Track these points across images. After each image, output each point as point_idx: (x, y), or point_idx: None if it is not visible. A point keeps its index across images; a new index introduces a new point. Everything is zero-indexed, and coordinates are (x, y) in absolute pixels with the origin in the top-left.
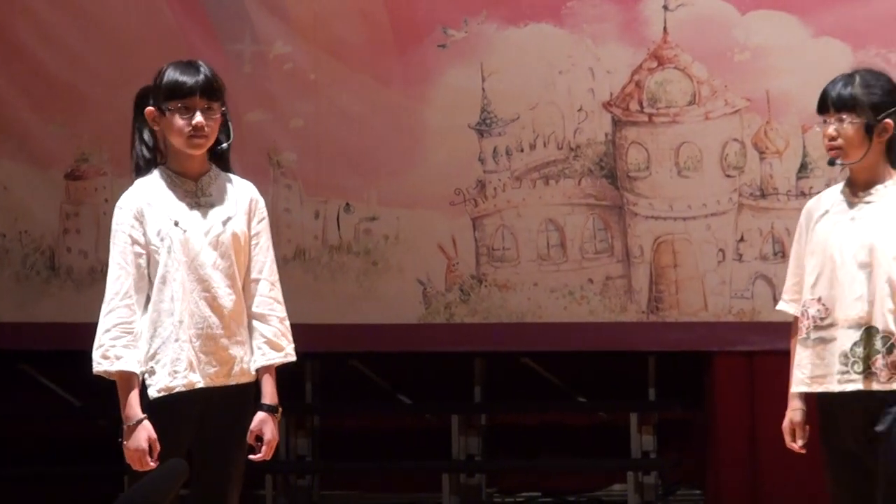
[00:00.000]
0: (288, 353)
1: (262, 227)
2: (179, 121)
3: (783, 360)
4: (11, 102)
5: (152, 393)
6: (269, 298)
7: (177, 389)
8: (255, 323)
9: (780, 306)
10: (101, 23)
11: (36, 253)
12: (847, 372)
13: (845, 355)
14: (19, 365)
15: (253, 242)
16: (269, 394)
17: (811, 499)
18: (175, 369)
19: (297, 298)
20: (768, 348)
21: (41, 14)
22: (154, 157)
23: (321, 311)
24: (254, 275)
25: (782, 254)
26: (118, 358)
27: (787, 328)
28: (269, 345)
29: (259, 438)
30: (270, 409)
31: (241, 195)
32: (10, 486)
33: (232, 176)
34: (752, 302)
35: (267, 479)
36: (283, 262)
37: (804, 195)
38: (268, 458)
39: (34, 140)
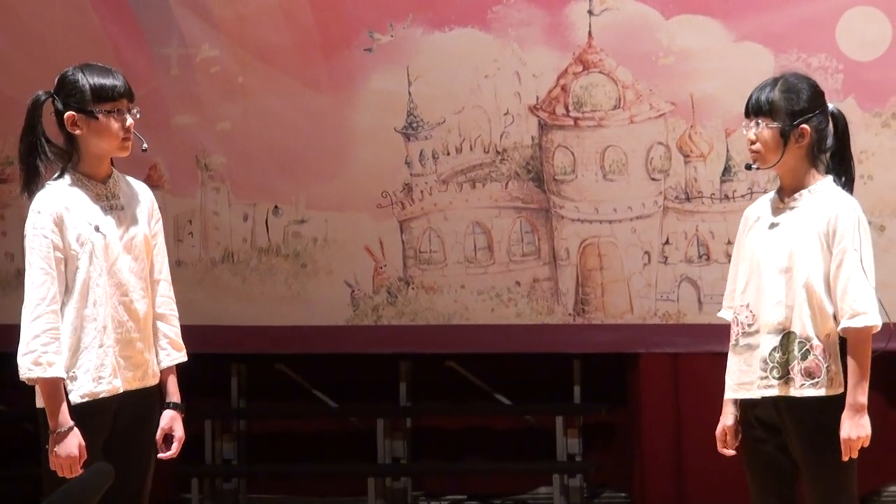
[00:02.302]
0: (184, 352)
1: (159, 228)
2: (114, 124)
3: (708, 362)
4: None
5: (74, 398)
6: (169, 298)
7: (102, 395)
8: (158, 323)
9: (720, 313)
10: (27, 26)
11: None
12: (766, 377)
13: (765, 361)
14: None
15: (153, 243)
16: (175, 392)
17: (734, 499)
18: (100, 375)
19: (226, 301)
20: (693, 350)
21: None
22: (64, 162)
23: (250, 314)
24: (155, 275)
25: (707, 256)
26: (50, 364)
27: (711, 330)
28: (172, 345)
29: (167, 437)
30: (178, 408)
31: (143, 197)
32: None
33: (128, 177)
34: (676, 304)
35: (193, 482)
36: (211, 265)
37: (728, 198)
38: (175, 455)
39: None
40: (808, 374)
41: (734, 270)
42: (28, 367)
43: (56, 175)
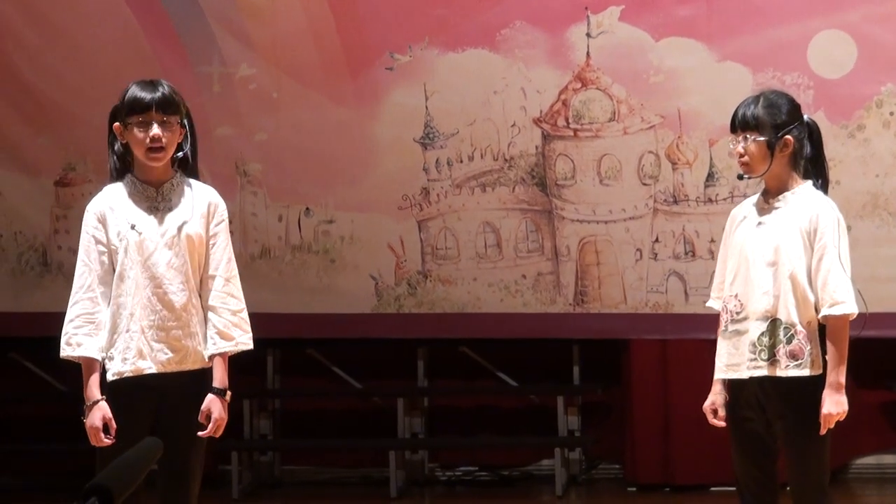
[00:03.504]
0: (239, 343)
1: (220, 229)
2: (139, 134)
3: (693, 347)
4: (5, 118)
5: (109, 376)
6: (223, 293)
7: (126, 374)
8: (209, 314)
9: (709, 303)
10: (84, 48)
11: (30, 251)
12: (755, 359)
13: (753, 344)
14: (9, 353)
15: (210, 243)
16: (218, 378)
17: (717, 471)
18: (125, 357)
19: (263, 292)
20: (680, 336)
21: (30, 41)
22: (125, 167)
23: (284, 303)
24: (210, 271)
25: (692, 253)
26: (79, 345)
27: (696, 319)
28: (219, 335)
29: (209, 417)
30: (218, 392)
31: (200, 200)
32: (2, 461)
33: (195, 182)
34: (665, 296)
35: (233, 455)
36: (250, 260)
37: (711, 201)
38: (215, 435)
39: (26, 151)
40: (793, 356)
41: (721, 265)
42: (62, 346)
43: (120, 179)
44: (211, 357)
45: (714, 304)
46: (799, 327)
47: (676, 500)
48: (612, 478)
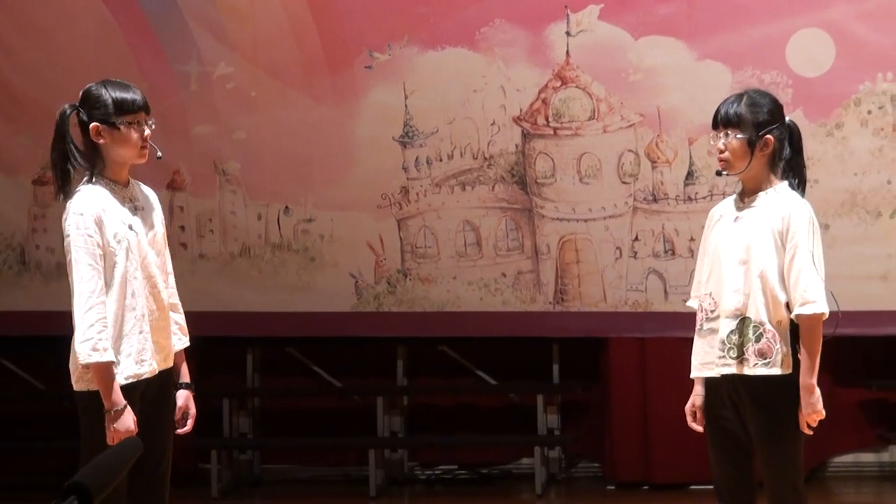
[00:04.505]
0: (188, 337)
1: (164, 227)
2: (133, 134)
3: (672, 345)
4: None
5: (120, 380)
6: (174, 290)
7: (144, 376)
8: (169, 312)
9: (689, 303)
10: (63, 47)
11: (7, 250)
12: (724, 357)
13: (723, 342)
14: None
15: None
16: (187, 373)
17: (696, 470)
18: (142, 358)
19: (243, 290)
20: (659, 335)
21: (9, 40)
22: (90, 168)
23: (264, 302)
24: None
25: (672, 252)
26: (105, 350)
27: (675, 317)
28: (182, 331)
29: (184, 414)
30: (191, 387)
31: (154, 200)
32: None
33: (140, 182)
34: (645, 294)
35: (212, 454)
36: (230, 258)
37: (691, 200)
38: (190, 430)
39: (4, 150)
40: (761, 354)
41: (700, 264)
42: (88, 353)
43: (86, 180)
44: (175, 353)
45: (693, 303)
46: (768, 326)
47: (655, 498)
48: (592, 476)
